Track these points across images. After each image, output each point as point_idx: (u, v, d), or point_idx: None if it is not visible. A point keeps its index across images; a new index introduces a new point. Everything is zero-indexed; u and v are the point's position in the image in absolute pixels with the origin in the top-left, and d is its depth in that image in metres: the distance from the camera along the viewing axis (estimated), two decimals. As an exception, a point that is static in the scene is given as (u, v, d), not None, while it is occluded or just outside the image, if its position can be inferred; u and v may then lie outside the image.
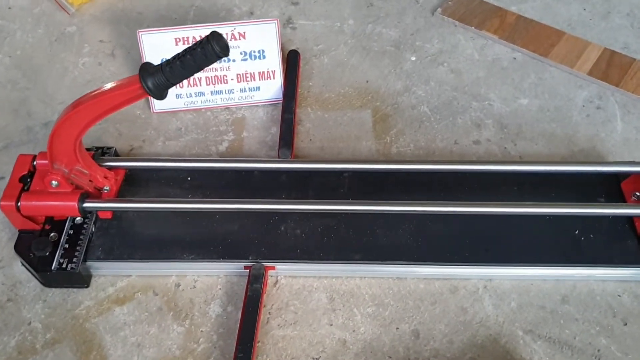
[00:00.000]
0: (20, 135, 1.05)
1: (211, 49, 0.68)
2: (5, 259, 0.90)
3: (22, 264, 0.88)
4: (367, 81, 1.12)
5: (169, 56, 1.01)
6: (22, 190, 0.86)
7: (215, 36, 0.68)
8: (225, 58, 1.03)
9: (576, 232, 0.88)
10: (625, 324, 0.83)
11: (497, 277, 0.87)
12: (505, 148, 1.02)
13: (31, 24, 1.22)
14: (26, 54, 1.17)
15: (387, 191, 0.91)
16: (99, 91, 0.74)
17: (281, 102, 1.07)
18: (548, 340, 0.82)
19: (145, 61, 0.73)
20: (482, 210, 0.86)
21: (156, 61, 1.02)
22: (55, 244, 0.86)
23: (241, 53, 1.04)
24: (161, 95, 0.73)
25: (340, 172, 0.93)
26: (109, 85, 0.74)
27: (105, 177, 0.86)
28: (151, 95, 0.72)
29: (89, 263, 0.86)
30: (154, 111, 1.07)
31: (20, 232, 0.88)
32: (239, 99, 1.07)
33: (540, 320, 0.84)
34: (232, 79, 1.06)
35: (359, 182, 0.93)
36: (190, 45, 0.71)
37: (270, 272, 0.87)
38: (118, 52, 1.17)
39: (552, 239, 0.88)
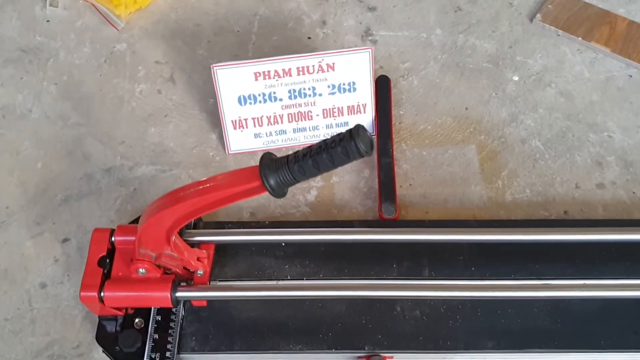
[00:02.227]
0: (80, 184, 0.93)
1: (355, 148, 0.55)
2: (83, 344, 0.80)
3: (104, 352, 0.78)
4: (466, 108, 0.98)
5: (247, 92, 0.90)
6: (103, 276, 0.74)
7: (360, 133, 0.55)
8: (311, 93, 0.90)
9: None
10: None
11: (644, 360, 0.77)
12: (634, 193, 0.90)
13: (75, 41, 1.07)
14: (73, 79, 1.03)
15: (516, 259, 0.80)
16: (208, 186, 0.62)
17: (373, 138, 0.94)
18: None
19: (266, 151, 0.61)
20: (628, 295, 0.74)
21: (233, 97, 0.90)
22: (143, 333, 0.75)
23: (329, 86, 0.91)
24: (283, 194, 0.61)
25: (457, 235, 0.82)
26: (221, 179, 0.62)
27: (198, 259, 0.75)
28: (272, 195, 0.60)
29: (182, 356, 0.76)
30: (230, 152, 0.94)
31: (101, 318, 0.77)
32: (324, 136, 0.93)
33: (700, 414, 0.74)
34: (317, 115, 0.93)
35: (481, 247, 0.81)
36: (325, 140, 0.58)
37: (386, 359, 0.77)
38: (178, 75, 1.03)
39: None
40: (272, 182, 0.59)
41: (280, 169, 0.59)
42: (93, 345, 0.80)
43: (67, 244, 0.88)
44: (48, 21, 1.10)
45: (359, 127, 0.56)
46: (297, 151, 0.59)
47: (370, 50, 0.89)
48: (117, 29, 1.07)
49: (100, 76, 1.03)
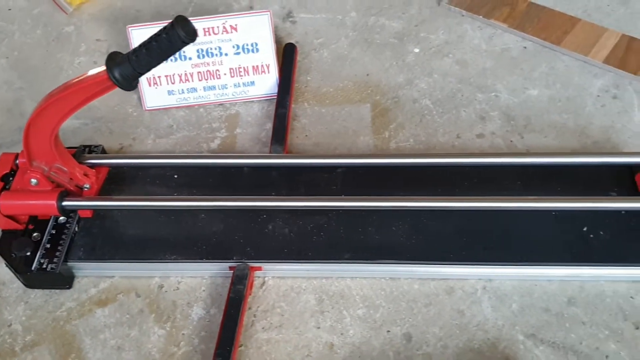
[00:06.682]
0: (13, 135, 1.03)
1: (176, 35, 0.65)
2: (-11, 260, 0.89)
3: (6, 265, 0.86)
4: (367, 75, 1.07)
5: (159, 52, 1.01)
6: (3, 189, 0.83)
7: (180, 21, 0.65)
8: (218, 52, 1.00)
9: (585, 229, 0.82)
10: (637, 328, 0.77)
11: (497, 278, 0.82)
12: (512, 141, 0.96)
13: (30, 25, 1.21)
14: (23, 55, 1.16)
15: (383, 187, 0.86)
16: (67, 84, 0.72)
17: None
18: (551, 345, 0.76)
19: (112, 51, 0.70)
20: (481, 206, 0.81)
21: (147, 57, 1.01)
22: (37, 244, 0.83)
23: (234, 47, 1.01)
24: (130, 86, 0.70)
25: (334, 168, 0.89)
26: (77, 78, 0.72)
27: (86, 175, 0.84)
28: (119, 86, 0.69)
29: (70, 263, 0.83)
30: (146, 108, 1.04)
31: (4, 232, 0.86)
32: (232, 95, 1.04)
33: (544, 324, 0.78)
34: (225, 74, 1.02)
35: (352, 178, 0.88)
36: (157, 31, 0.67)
37: (257, 273, 0.83)
38: (114, 50, 1.14)
39: (558, 236, 0.82)
40: (116, 74, 0.68)
41: (123, 62, 0.68)
42: (-1, 261, 0.88)
43: (-8, 182, 0.97)
44: (9, 9, 1.24)
45: (179, 17, 0.65)
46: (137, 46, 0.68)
47: (268, 13, 0.99)
48: (66, 13, 1.20)
49: (47, 52, 1.16)
